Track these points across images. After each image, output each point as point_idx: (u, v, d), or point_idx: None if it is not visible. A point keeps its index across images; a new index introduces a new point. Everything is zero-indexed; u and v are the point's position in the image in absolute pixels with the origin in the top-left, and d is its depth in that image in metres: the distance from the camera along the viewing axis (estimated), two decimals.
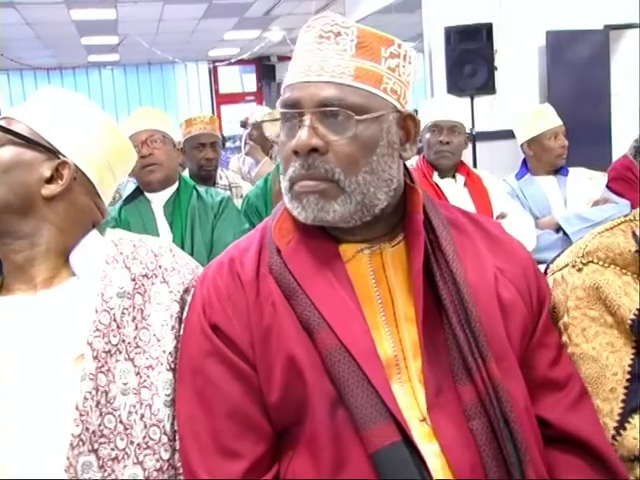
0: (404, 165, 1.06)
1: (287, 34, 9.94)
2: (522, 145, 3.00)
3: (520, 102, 5.04)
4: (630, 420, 1.01)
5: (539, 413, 1.00)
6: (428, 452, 0.90)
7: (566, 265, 1.14)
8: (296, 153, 0.96)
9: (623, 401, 1.02)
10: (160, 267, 1.11)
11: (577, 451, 0.99)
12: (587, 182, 2.92)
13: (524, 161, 3.03)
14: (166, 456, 1.01)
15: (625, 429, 1.00)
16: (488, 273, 1.02)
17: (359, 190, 0.97)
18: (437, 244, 1.01)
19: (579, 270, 1.11)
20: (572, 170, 2.96)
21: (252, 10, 8.65)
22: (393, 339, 0.97)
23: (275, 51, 12.58)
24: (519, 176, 2.98)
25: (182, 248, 2.24)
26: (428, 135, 2.68)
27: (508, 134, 5.26)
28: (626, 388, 1.02)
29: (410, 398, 0.95)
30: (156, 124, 2.31)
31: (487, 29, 4.93)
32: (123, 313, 1.05)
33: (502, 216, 2.63)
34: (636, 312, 1.05)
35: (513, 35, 5.13)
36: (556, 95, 4.91)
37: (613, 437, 1.01)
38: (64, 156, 1.11)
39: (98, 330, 1.02)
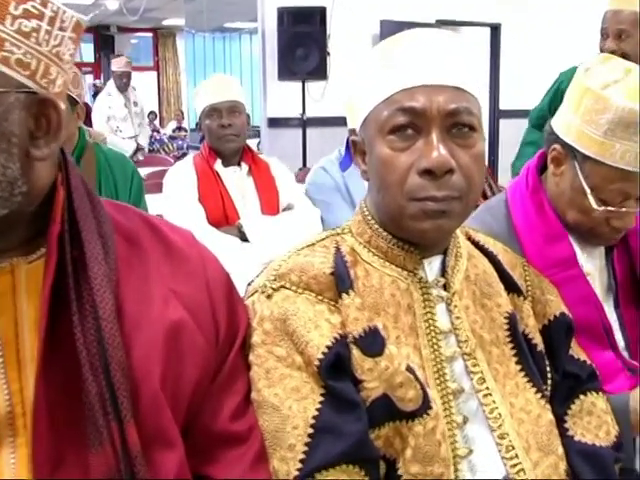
0: (65, 160, 0.81)
1: (124, 3, 9.34)
2: (352, 130, 2.82)
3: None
4: None
5: (212, 475, 0.83)
6: None
7: (256, 290, 0.93)
8: None
9: (301, 461, 0.81)
10: None
11: None
12: None
13: (347, 149, 2.75)
14: None
15: None
16: (157, 300, 0.82)
17: None
18: (83, 264, 0.77)
19: (269, 297, 0.90)
20: None
21: None
22: (10, 389, 0.75)
23: (115, 21, 11.90)
24: (344, 166, 2.71)
25: None
26: (208, 121, 2.44)
27: (339, 121, 5.23)
28: (307, 445, 0.81)
29: (23, 469, 0.74)
30: None
31: (321, 13, 4.85)
32: None
33: (289, 208, 2.48)
34: (325, 350, 0.84)
35: (347, 21, 5.08)
36: None
37: None
38: None
39: None
